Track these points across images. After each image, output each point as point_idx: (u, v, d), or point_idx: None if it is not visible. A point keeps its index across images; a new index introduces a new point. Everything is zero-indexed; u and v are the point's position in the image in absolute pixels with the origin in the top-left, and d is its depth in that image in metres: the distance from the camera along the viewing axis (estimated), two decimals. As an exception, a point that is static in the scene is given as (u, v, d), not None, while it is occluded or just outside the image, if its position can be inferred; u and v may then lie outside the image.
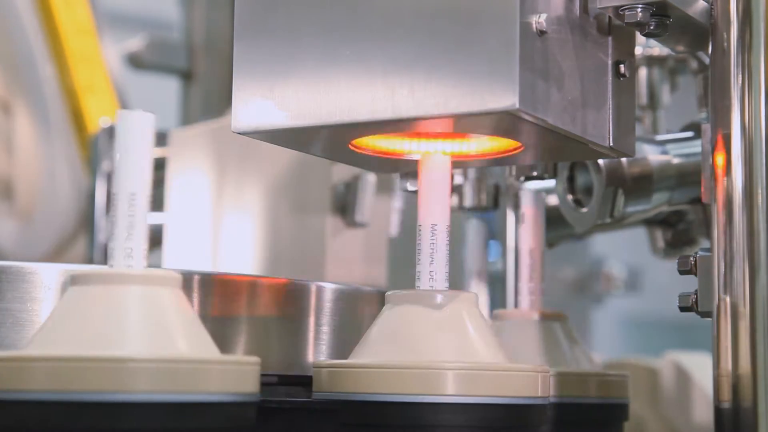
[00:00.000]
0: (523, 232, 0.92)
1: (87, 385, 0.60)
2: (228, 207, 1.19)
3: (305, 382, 0.78)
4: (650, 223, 1.04)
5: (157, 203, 1.27)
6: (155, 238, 1.27)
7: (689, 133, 0.96)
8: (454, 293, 0.75)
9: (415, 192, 0.88)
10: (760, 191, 0.74)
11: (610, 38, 0.79)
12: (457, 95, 0.72)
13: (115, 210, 0.65)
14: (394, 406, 0.71)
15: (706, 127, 0.79)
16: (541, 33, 0.73)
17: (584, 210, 0.93)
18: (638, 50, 1.02)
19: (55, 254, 1.79)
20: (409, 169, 0.87)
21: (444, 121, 0.74)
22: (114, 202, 0.65)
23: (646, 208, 0.94)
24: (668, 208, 0.96)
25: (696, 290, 0.78)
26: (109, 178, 1.49)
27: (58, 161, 1.83)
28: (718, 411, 0.76)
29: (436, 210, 0.75)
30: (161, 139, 1.29)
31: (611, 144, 0.79)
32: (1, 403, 0.61)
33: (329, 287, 0.82)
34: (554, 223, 1.00)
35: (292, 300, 0.80)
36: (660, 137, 0.97)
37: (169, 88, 2.02)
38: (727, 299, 0.75)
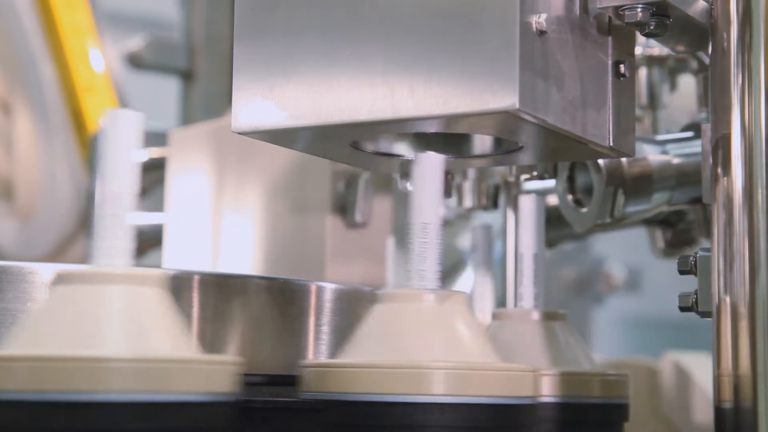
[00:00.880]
0: (523, 232, 0.91)
1: (62, 385, 0.59)
2: (228, 207, 1.19)
3: (305, 382, 0.78)
4: (650, 223, 1.04)
5: (157, 203, 1.27)
6: (155, 238, 1.27)
7: (689, 133, 0.96)
8: (444, 292, 0.74)
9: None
10: (760, 191, 0.74)
11: (610, 38, 0.79)
12: (457, 95, 0.72)
13: (99, 209, 0.65)
14: (381, 406, 0.71)
15: (706, 127, 0.79)
16: (541, 33, 0.73)
17: (584, 210, 0.93)
18: (638, 50, 1.02)
19: (55, 254, 1.79)
20: (409, 169, 0.87)
21: (444, 121, 0.74)
22: (99, 201, 0.65)
23: (646, 208, 0.94)
24: (668, 208, 0.96)
25: (696, 290, 0.78)
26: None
27: (58, 161, 1.83)
28: (718, 411, 0.76)
29: (427, 209, 0.74)
30: (161, 139, 1.29)
31: (611, 144, 0.79)
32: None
33: (329, 287, 0.82)
34: (554, 223, 1.00)
35: (292, 300, 0.80)
36: (660, 137, 0.97)
37: (169, 88, 2.02)
38: (727, 299, 0.75)
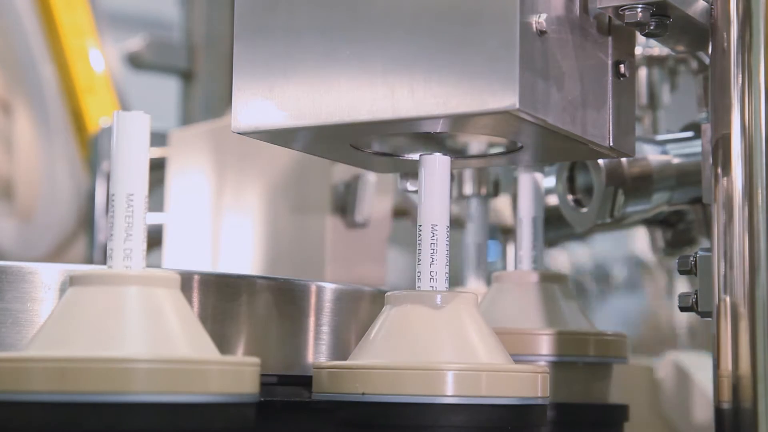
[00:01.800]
0: (522, 197, 0.92)
1: (86, 386, 0.60)
2: (228, 207, 1.19)
3: (305, 382, 0.78)
4: (650, 223, 1.04)
5: (157, 203, 1.27)
6: (155, 238, 1.27)
7: (689, 133, 0.96)
8: (455, 294, 0.75)
9: (415, 192, 0.88)
10: (760, 191, 0.74)
11: (610, 38, 0.79)
12: (457, 95, 0.72)
13: (113, 211, 0.65)
14: (393, 407, 0.71)
15: (706, 127, 0.79)
16: (541, 33, 0.73)
17: (584, 210, 0.93)
18: (638, 50, 1.02)
19: (55, 254, 1.79)
20: (409, 169, 0.87)
21: (444, 121, 0.74)
22: (112, 203, 0.65)
23: (646, 208, 0.94)
24: (668, 208, 0.96)
25: (696, 290, 0.78)
26: (109, 178, 1.49)
27: (58, 161, 1.83)
28: (718, 411, 0.76)
29: (436, 210, 0.75)
30: (161, 139, 1.30)
31: (611, 144, 0.79)
32: (1, 404, 0.61)
33: (329, 287, 0.82)
34: (554, 223, 1.00)
35: (292, 300, 0.80)
36: (660, 137, 0.97)
37: (169, 88, 2.02)
38: (727, 299, 0.75)
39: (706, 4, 0.78)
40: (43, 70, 1.85)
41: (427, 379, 0.71)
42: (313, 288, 0.81)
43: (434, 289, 0.75)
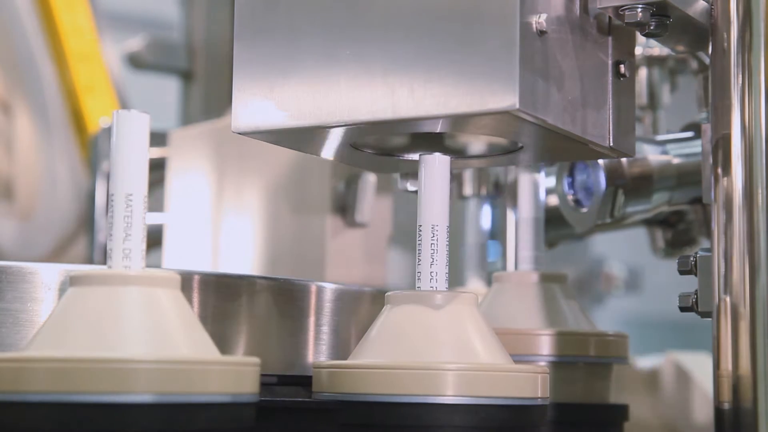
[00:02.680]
0: (522, 197, 0.92)
1: (87, 387, 0.60)
2: (228, 207, 1.19)
3: (305, 382, 0.78)
4: (650, 223, 1.04)
5: (157, 203, 1.27)
6: (155, 238, 1.27)
7: (689, 133, 0.96)
8: (455, 294, 0.75)
9: (415, 192, 0.88)
10: (760, 191, 0.74)
11: (610, 38, 0.79)
12: (457, 95, 0.72)
13: (112, 211, 0.65)
14: (394, 407, 0.71)
15: (706, 127, 0.79)
16: (541, 33, 0.73)
17: (584, 210, 0.93)
18: (638, 50, 1.02)
19: (55, 254, 1.79)
20: (409, 169, 0.87)
21: (444, 121, 0.74)
22: (111, 203, 0.65)
23: (646, 208, 0.94)
24: (668, 208, 0.96)
25: (696, 290, 0.78)
26: (109, 178, 1.49)
27: (58, 161, 1.83)
28: (718, 411, 0.76)
29: (436, 210, 0.75)
30: (161, 139, 1.29)
31: (611, 144, 0.79)
32: (1, 404, 0.61)
33: (329, 287, 0.82)
34: (554, 223, 1.00)
35: (292, 300, 0.80)
36: (660, 137, 0.97)
37: (169, 88, 2.02)
38: (727, 299, 0.75)
39: (706, 4, 0.78)
40: (43, 70, 1.85)
41: (427, 379, 0.71)
42: (313, 288, 0.81)
43: (434, 289, 0.75)
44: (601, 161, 0.91)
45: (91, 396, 0.60)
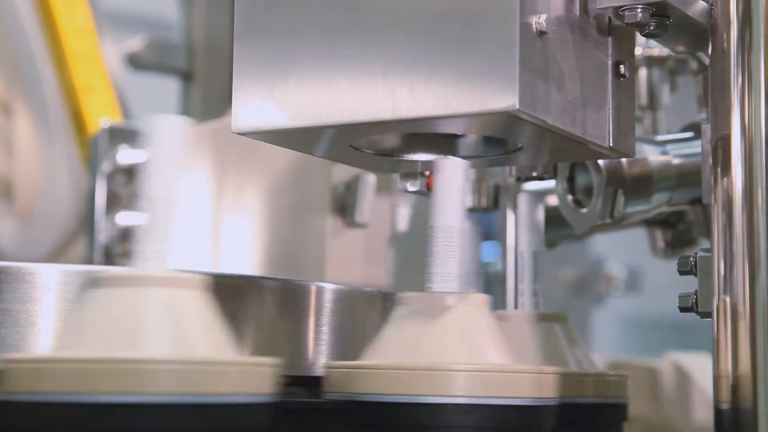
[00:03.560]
0: (522, 233, 0.92)
1: (106, 387, 0.60)
2: (228, 207, 1.19)
3: (306, 382, 0.78)
4: (650, 223, 1.04)
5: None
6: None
7: (689, 134, 0.96)
8: (466, 295, 0.75)
9: (415, 193, 0.88)
10: (760, 191, 0.74)
11: (610, 38, 0.79)
12: (457, 95, 0.72)
13: (144, 213, 0.65)
14: (405, 407, 0.71)
15: (706, 127, 0.79)
16: (541, 33, 0.73)
17: (584, 210, 0.93)
18: (638, 50, 1.02)
19: (55, 254, 1.79)
20: (409, 170, 0.87)
21: (443, 122, 0.74)
22: (143, 206, 0.65)
23: (646, 209, 0.94)
24: (668, 208, 0.96)
25: (696, 290, 0.78)
26: (109, 178, 1.49)
27: (58, 161, 1.83)
28: (718, 411, 0.76)
29: (451, 213, 0.74)
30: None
31: (611, 144, 0.79)
32: (24, 405, 0.61)
33: (329, 287, 0.82)
34: (554, 223, 1.00)
35: (292, 300, 0.80)
36: (660, 137, 0.97)
37: (169, 88, 2.02)
38: (727, 299, 0.75)
39: (706, 4, 0.78)
40: (43, 70, 1.85)
41: (439, 380, 0.71)
42: (313, 288, 0.81)
43: (446, 290, 0.74)
44: (600, 161, 0.91)
45: (111, 396, 0.60)
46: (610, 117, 0.79)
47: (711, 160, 0.77)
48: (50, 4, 1.87)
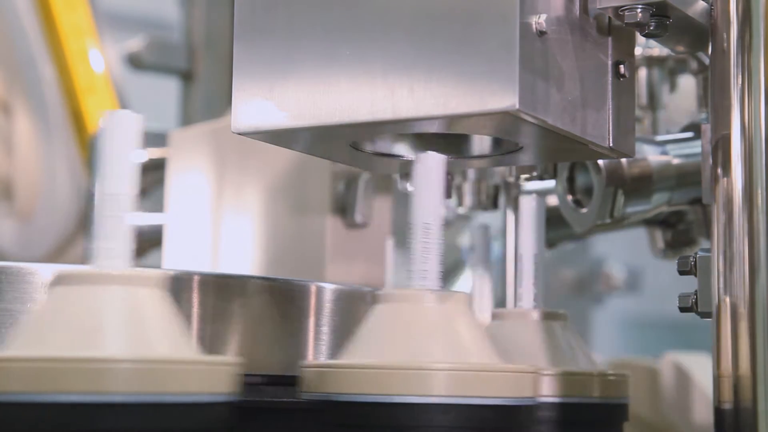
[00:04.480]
0: (523, 232, 0.91)
1: (62, 386, 0.59)
2: (228, 207, 1.19)
3: (305, 382, 0.78)
4: (650, 223, 1.04)
5: (157, 203, 1.27)
6: (155, 238, 1.27)
7: (689, 134, 0.96)
8: (446, 293, 0.74)
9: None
10: (760, 191, 0.74)
11: (610, 38, 0.79)
12: (457, 95, 0.72)
13: (98, 210, 0.65)
14: (382, 407, 0.71)
15: (706, 127, 0.79)
16: (541, 33, 0.73)
17: (584, 210, 0.93)
18: (638, 50, 1.02)
19: (55, 254, 1.79)
20: (409, 170, 0.87)
21: (444, 122, 0.74)
22: (98, 203, 0.65)
23: (646, 209, 0.94)
24: (668, 208, 0.96)
25: (696, 290, 0.78)
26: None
27: (58, 161, 1.83)
28: (718, 411, 0.76)
29: (429, 209, 0.74)
30: (161, 139, 1.30)
31: (611, 144, 0.79)
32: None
33: (329, 287, 0.82)
34: (554, 223, 1.00)
35: (292, 300, 0.80)
36: (660, 137, 0.97)
37: (169, 88, 2.02)
38: (727, 299, 0.75)
39: (706, 4, 0.78)
40: (43, 70, 1.85)
41: (417, 379, 0.70)
42: (313, 288, 0.81)
43: (426, 287, 0.74)
44: (600, 161, 0.91)
45: (67, 396, 0.59)
46: (610, 117, 0.79)
47: (711, 160, 0.77)
48: (50, 4, 1.87)
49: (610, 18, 0.78)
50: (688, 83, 1.06)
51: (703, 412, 1.27)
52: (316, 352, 0.80)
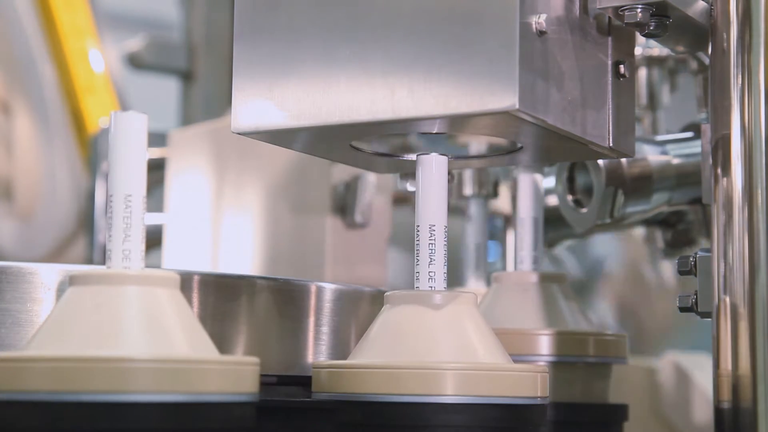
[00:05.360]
0: (522, 198, 0.93)
1: (85, 386, 0.60)
2: (228, 207, 1.19)
3: (305, 382, 0.78)
4: (650, 223, 1.04)
5: (157, 203, 1.27)
6: (155, 238, 1.27)
7: (689, 134, 0.96)
8: (453, 294, 0.75)
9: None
10: (760, 191, 0.74)
11: (609, 38, 0.79)
12: (456, 95, 0.72)
13: (111, 211, 0.65)
14: (393, 407, 0.71)
15: (706, 127, 0.79)
16: (541, 33, 0.73)
17: (584, 210, 0.94)
18: (638, 50, 1.02)
19: (55, 254, 1.79)
20: (409, 169, 0.87)
21: (443, 122, 0.74)
22: (110, 204, 0.65)
23: (646, 209, 0.94)
24: (668, 208, 0.96)
25: (696, 290, 0.78)
26: (108, 179, 1.49)
27: (58, 161, 1.83)
28: (718, 411, 0.76)
29: (434, 210, 0.75)
30: (161, 139, 1.30)
31: (611, 144, 0.79)
32: (0, 404, 0.61)
33: (329, 287, 0.82)
34: (554, 223, 1.00)
35: (292, 300, 0.80)
36: (660, 137, 0.97)
37: (169, 88, 2.02)
38: (727, 299, 0.75)
39: (706, 4, 0.78)
40: (43, 70, 1.85)
41: (426, 379, 0.71)
42: (313, 288, 0.81)
43: (433, 288, 0.75)
44: (600, 161, 0.91)
45: (89, 395, 0.60)
46: (610, 117, 0.79)
47: (711, 160, 0.77)
48: (50, 4, 1.87)
49: (610, 18, 0.78)
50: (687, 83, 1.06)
51: (703, 412, 1.27)
52: (316, 352, 0.80)
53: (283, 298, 0.79)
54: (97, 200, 1.52)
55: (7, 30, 1.86)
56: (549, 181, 0.97)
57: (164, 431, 0.61)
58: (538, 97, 0.72)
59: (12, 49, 1.86)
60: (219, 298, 0.76)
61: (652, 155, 0.93)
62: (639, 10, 0.76)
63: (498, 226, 1.23)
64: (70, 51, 1.86)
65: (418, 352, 0.73)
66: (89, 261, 1.53)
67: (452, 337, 0.74)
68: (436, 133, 0.78)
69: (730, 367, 0.74)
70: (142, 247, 0.65)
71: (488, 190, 1.08)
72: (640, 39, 0.83)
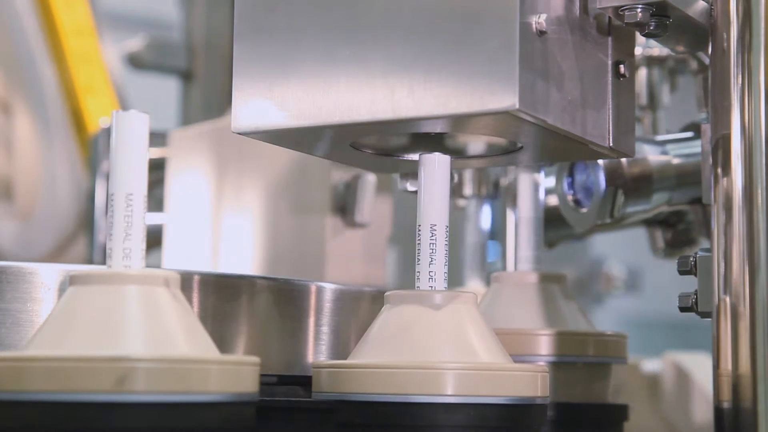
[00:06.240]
0: (522, 198, 0.93)
1: (85, 386, 0.60)
2: (228, 207, 1.19)
3: (305, 382, 0.78)
4: (650, 223, 1.04)
5: (157, 203, 1.27)
6: (155, 238, 1.27)
7: (689, 133, 0.96)
8: (454, 293, 0.75)
9: (415, 192, 0.88)
10: (760, 191, 0.74)
11: (610, 38, 0.79)
12: (456, 95, 0.72)
13: (112, 211, 0.65)
14: (393, 407, 0.71)
15: (706, 127, 0.79)
16: (541, 33, 0.73)
17: (584, 210, 0.93)
18: (638, 50, 1.02)
19: (55, 254, 1.79)
20: (409, 169, 0.87)
21: (444, 121, 0.74)
22: (111, 203, 0.65)
23: (646, 208, 0.94)
24: (668, 208, 0.96)
25: (696, 290, 0.78)
26: (109, 178, 1.48)
27: (58, 161, 1.83)
28: (718, 411, 0.76)
29: (435, 210, 0.75)
30: (161, 139, 1.29)
31: (611, 144, 0.79)
32: (0, 404, 0.61)
33: (329, 287, 0.82)
34: (554, 223, 1.00)
35: (292, 300, 0.80)
36: (660, 137, 0.97)
37: (169, 88, 2.02)
38: (727, 299, 0.75)
39: (706, 4, 0.78)
40: (43, 70, 1.85)
41: (427, 379, 0.71)
42: (313, 288, 0.81)
43: (433, 288, 0.75)
44: (600, 161, 0.91)
45: (89, 395, 0.60)
46: (610, 117, 0.79)
47: (711, 160, 0.77)
48: (50, 4, 1.87)
49: (610, 18, 0.78)
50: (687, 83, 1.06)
51: (703, 412, 1.27)
52: (316, 352, 0.80)
53: (283, 298, 0.79)
54: (98, 200, 1.52)
55: (7, 30, 1.86)
56: (549, 181, 0.97)
57: (164, 431, 0.61)
58: (538, 97, 0.72)
59: (12, 49, 1.86)
60: (219, 297, 0.76)
61: (652, 155, 0.93)
62: (639, 10, 0.76)
63: (498, 226, 1.23)
64: (70, 51, 1.86)
65: (418, 352, 0.73)
66: (89, 261, 1.53)
67: (452, 337, 0.74)
68: (436, 133, 0.78)
69: (730, 367, 0.74)
70: (143, 246, 0.66)
71: (488, 190, 1.08)
72: (640, 39, 0.83)
